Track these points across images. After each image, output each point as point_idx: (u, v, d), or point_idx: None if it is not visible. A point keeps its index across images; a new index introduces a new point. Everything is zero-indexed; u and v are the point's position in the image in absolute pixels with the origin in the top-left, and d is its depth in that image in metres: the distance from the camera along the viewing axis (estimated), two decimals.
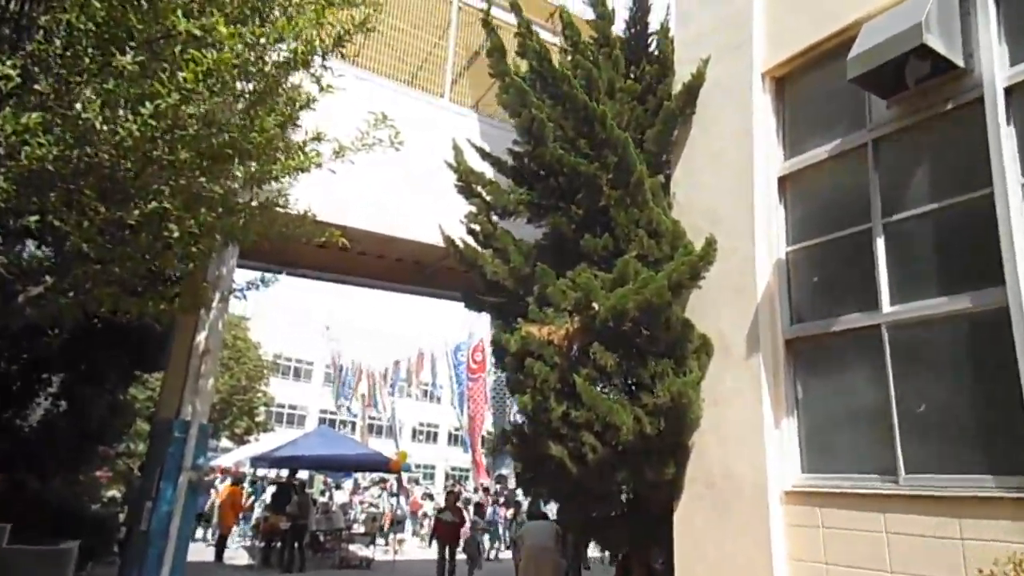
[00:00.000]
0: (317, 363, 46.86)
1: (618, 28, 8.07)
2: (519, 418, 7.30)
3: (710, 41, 6.72)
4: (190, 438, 7.43)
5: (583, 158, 6.50)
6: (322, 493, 22.13)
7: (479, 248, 7.15)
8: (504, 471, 17.68)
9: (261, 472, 23.39)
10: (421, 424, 52.07)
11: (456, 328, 22.99)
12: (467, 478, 46.66)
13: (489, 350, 19.45)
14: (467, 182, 7.28)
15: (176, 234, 5.16)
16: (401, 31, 10.45)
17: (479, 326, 20.63)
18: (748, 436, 5.57)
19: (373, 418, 42.13)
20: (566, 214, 6.55)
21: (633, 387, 6.13)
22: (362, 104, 9.48)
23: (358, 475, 22.28)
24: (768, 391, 5.54)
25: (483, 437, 18.80)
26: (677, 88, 6.85)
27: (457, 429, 52.82)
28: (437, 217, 9.76)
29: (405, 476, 16.86)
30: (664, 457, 5.85)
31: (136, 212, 5.11)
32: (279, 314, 46.77)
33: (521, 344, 6.18)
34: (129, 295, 5.96)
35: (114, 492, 16.23)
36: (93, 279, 5.48)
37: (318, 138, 6.21)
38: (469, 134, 10.34)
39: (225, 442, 31.68)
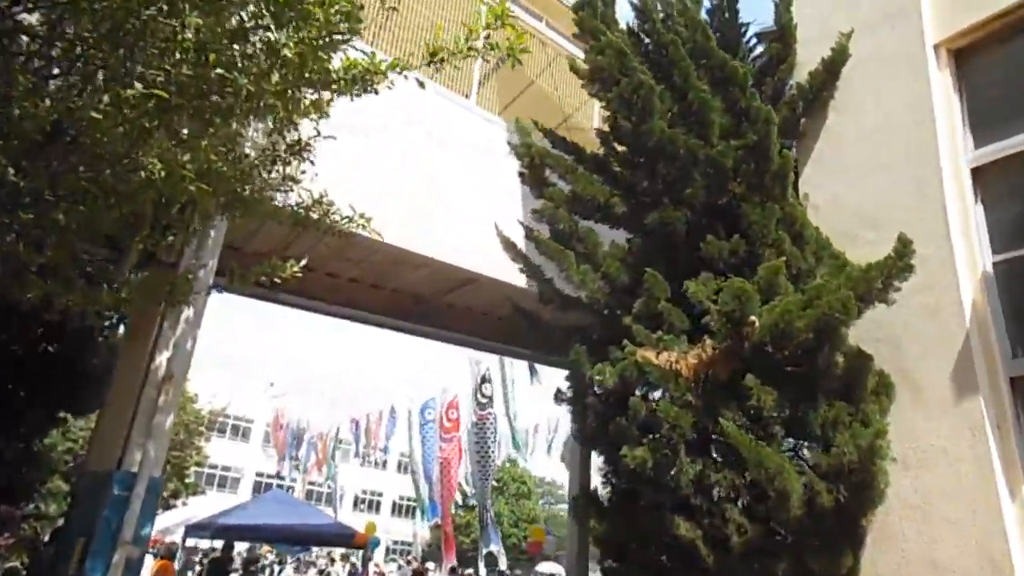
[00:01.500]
0: (258, 421, 43.34)
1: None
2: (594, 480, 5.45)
3: (852, 12, 5.37)
4: (135, 498, 5.27)
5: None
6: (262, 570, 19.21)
7: (548, 253, 5.41)
8: (493, 548, 15.41)
9: (189, 542, 20.41)
10: (364, 492, 48.52)
11: (423, 384, 20.89)
12: (409, 552, 43.30)
13: (469, 405, 17.44)
14: (538, 167, 5.60)
15: (161, 171, 3.29)
16: (425, 18, 8.97)
17: (455, 381, 18.65)
18: (968, 515, 3.89)
19: (312, 483, 38.83)
20: (678, 210, 4.91)
21: (788, 440, 4.40)
22: (388, 94, 7.89)
23: (316, 550, 19.47)
24: (996, 449, 3.91)
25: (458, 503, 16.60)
26: (804, 70, 5.45)
27: (406, 499, 49.49)
28: (460, 236, 8.08)
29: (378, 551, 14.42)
30: (838, 543, 4.10)
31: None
32: (219, 368, 43.53)
33: (630, 374, 4.42)
34: (72, 280, 4.02)
35: (14, 563, 13.26)
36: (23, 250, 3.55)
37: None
38: (496, 144, 8.79)
39: None
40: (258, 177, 4.40)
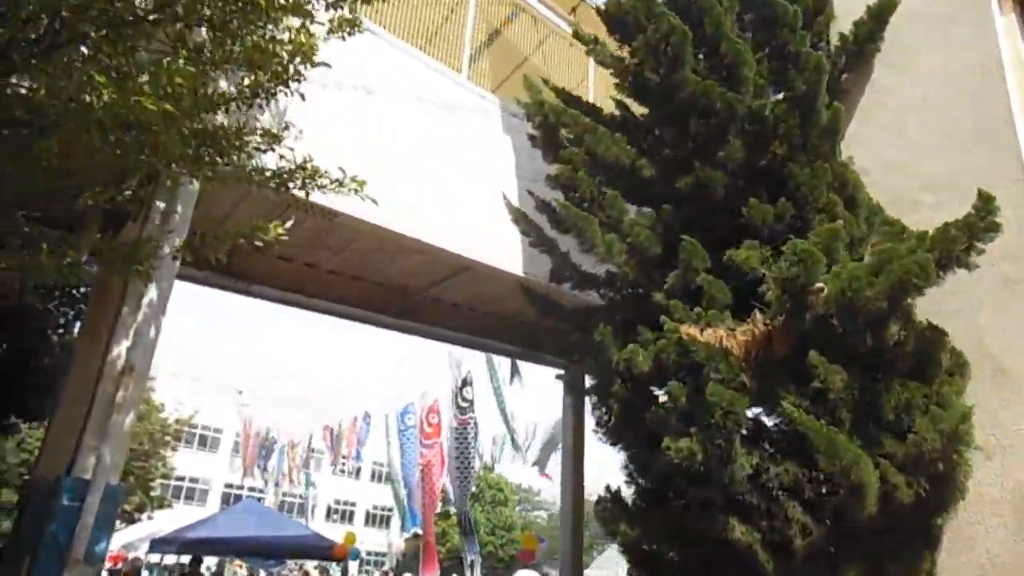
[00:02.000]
0: (227, 431, 41.98)
1: None
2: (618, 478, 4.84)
3: None
4: (88, 508, 4.52)
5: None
6: None
7: (566, 221, 4.77)
8: (472, 556, 14.68)
9: (154, 558, 19.40)
10: (337, 502, 47.32)
11: (400, 384, 20.11)
12: (383, 563, 42.30)
13: (450, 410, 16.74)
14: (551, 128, 4.99)
15: (111, 91, 2.60)
16: None
17: (435, 382, 17.95)
18: None
19: (286, 494, 37.63)
20: (716, 171, 4.33)
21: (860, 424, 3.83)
22: (368, 62, 7.23)
23: (291, 563, 18.53)
24: None
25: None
26: (844, 23, 4.94)
27: (380, 508, 48.35)
28: (455, 219, 7.40)
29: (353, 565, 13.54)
30: (914, 543, 3.55)
31: None
32: (179, 370, 42.12)
33: (667, 356, 3.83)
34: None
35: None
36: None
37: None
38: (491, 123, 8.18)
39: None
40: (233, 116, 3.72)
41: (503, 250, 7.75)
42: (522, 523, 46.92)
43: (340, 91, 6.72)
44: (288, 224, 4.14)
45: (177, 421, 24.77)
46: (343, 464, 37.45)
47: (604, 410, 4.58)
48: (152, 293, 4.97)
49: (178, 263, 5.31)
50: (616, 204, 4.37)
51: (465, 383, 16.47)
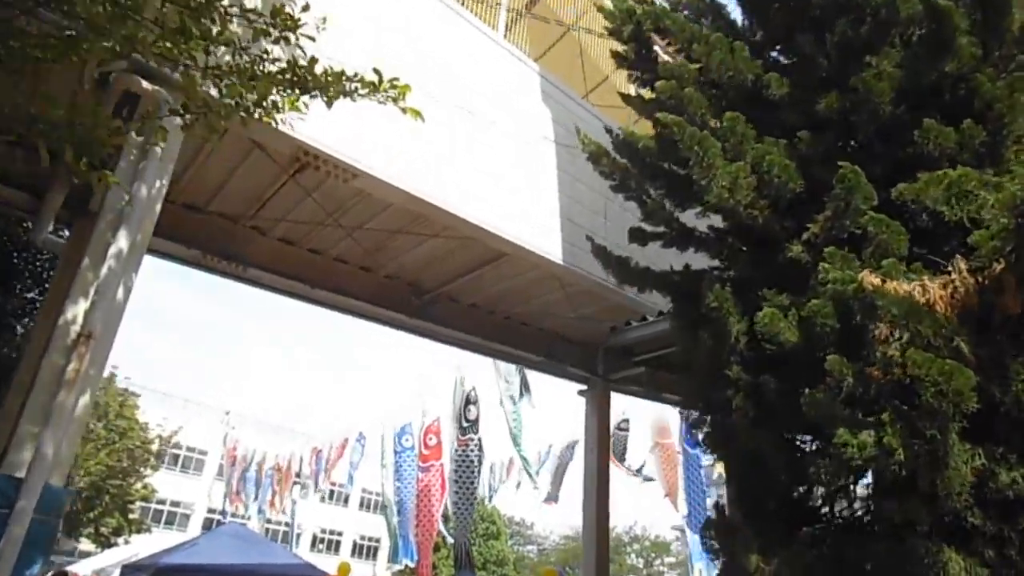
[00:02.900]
0: (212, 453, 40.23)
1: None
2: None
3: None
4: (16, 517, 3.31)
5: None
6: None
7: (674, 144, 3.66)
8: None
9: None
10: (323, 531, 45.38)
11: (396, 401, 18.78)
12: None
13: (451, 431, 15.46)
14: (644, 39, 3.93)
15: None
16: None
17: (436, 402, 16.71)
18: None
19: (270, 521, 35.86)
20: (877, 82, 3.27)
21: None
22: (385, 13, 6.16)
23: None
24: None
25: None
26: None
27: (368, 538, 46.39)
28: (494, 198, 6.27)
29: None
30: None
31: None
32: (178, 397, 40.63)
33: (820, 324, 2.74)
34: None
35: None
36: None
37: None
38: (529, 91, 7.15)
39: (85, 544, 24.99)
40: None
41: (543, 236, 6.68)
42: (514, 557, 45.13)
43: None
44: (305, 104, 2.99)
45: (159, 438, 23.26)
46: (331, 488, 35.83)
47: (708, 408, 3.45)
48: (121, 242, 3.83)
49: (158, 207, 4.19)
50: (736, 127, 3.29)
51: (469, 401, 15.25)
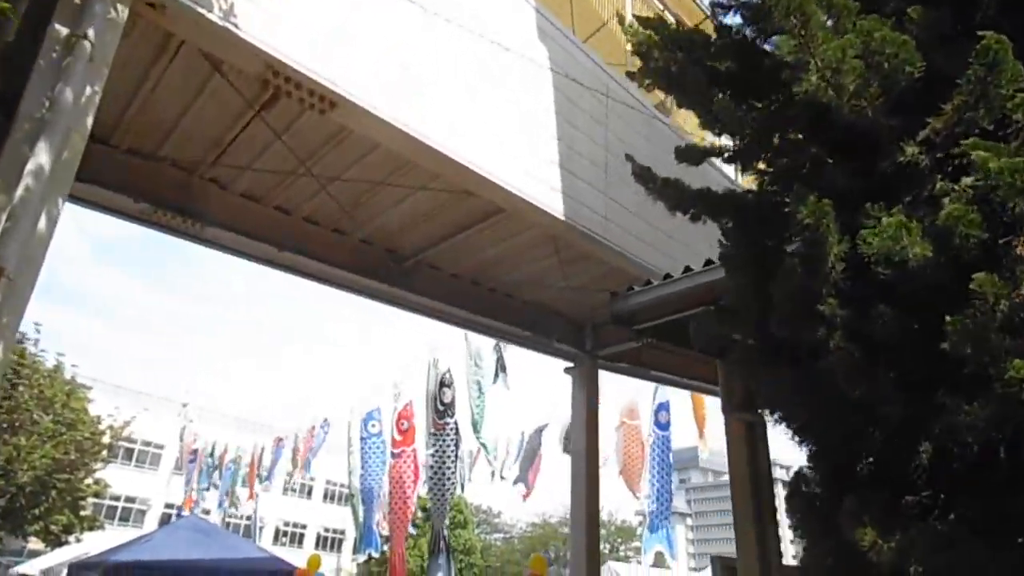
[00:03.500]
0: (168, 447, 38.65)
1: None
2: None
3: None
4: None
5: None
6: None
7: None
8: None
9: None
10: (286, 523, 44.14)
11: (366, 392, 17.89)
12: None
13: (424, 416, 14.70)
14: None
15: None
16: None
17: (407, 385, 15.86)
18: None
19: (230, 515, 34.56)
20: None
21: None
22: None
23: None
24: None
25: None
26: None
27: (332, 531, 45.27)
28: (495, 145, 5.45)
29: None
30: None
31: None
32: (127, 390, 38.89)
33: (961, 232, 2.09)
34: None
35: None
36: None
37: None
38: (525, 28, 6.38)
39: (35, 543, 23.49)
40: None
41: (543, 188, 5.95)
42: (481, 546, 44.60)
43: None
44: None
45: (110, 429, 21.90)
46: (295, 480, 34.65)
47: (772, 358, 2.79)
48: (42, 157, 2.99)
49: (89, 120, 3.33)
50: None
51: (443, 384, 14.49)
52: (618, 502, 49.65)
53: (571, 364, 9.42)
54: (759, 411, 4.67)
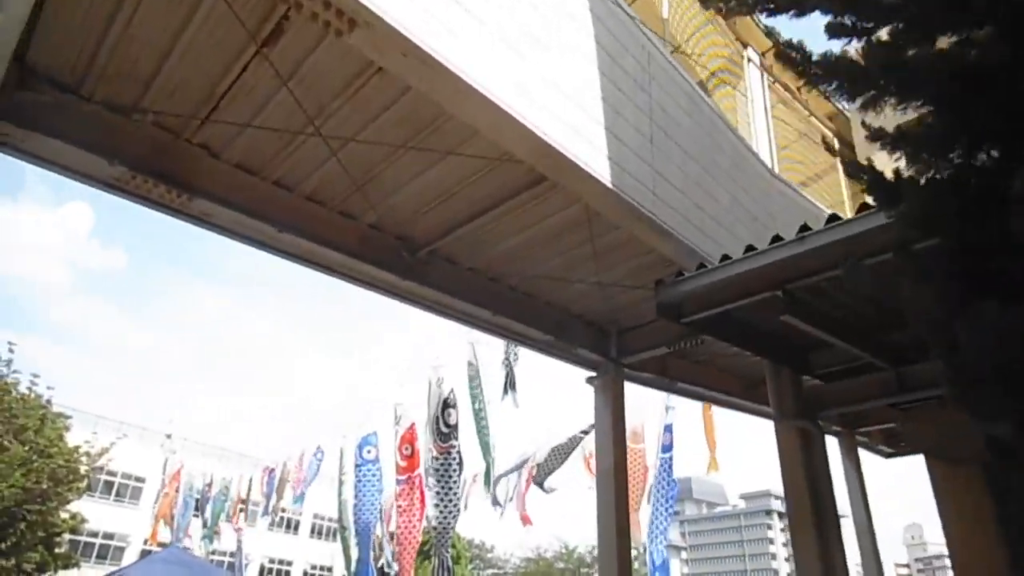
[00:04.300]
0: (150, 480, 36.98)
1: None
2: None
3: None
4: None
5: None
6: None
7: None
8: None
9: None
10: (271, 560, 42.28)
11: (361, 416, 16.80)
12: None
13: (425, 439, 13.64)
14: None
15: None
16: None
17: (410, 408, 14.77)
18: None
19: (214, 552, 32.87)
20: None
21: None
22: None
23: None
24: None
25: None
26: None
27: (319, 568, 43.36)
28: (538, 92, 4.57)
29: None
30: None
31: None
32: (108, 420, 37.25)
33: None
34: None
35: None
36: None
37: None
38: None
39: None
40: None
41: (591, 152, 5.10)
42: None
43: None
44: None
45: (87, 456, 20.49)
46: (281, 512, 33.06)
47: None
48: None
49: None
50: None
51: (447, 405, 13.47)
52: None
53: (593, 374, 8.52)
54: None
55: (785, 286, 4.99)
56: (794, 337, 6.00)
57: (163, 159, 5.03)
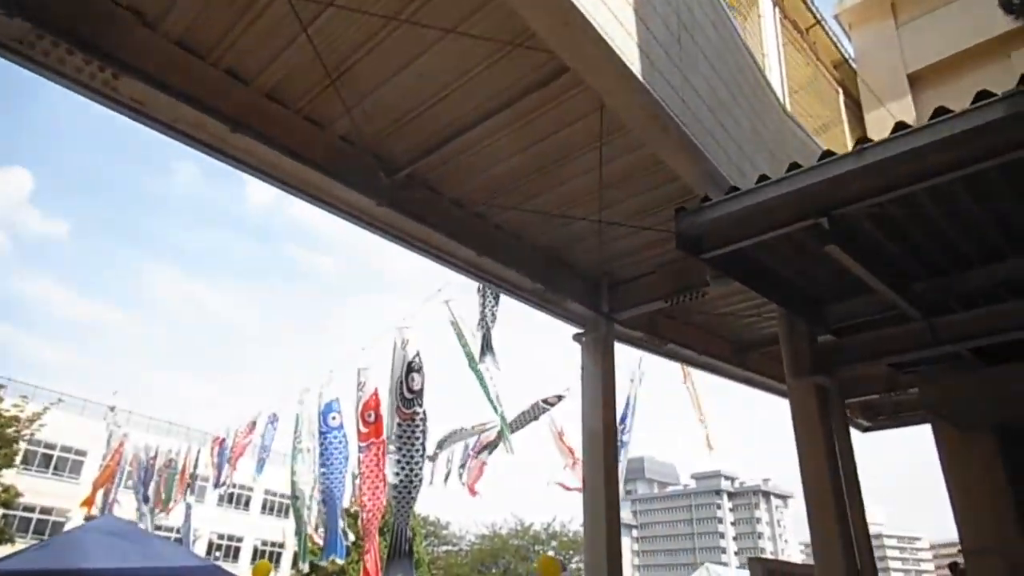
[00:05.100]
0: (92, 454, 35.02)
1: None
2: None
3: None
4: None
5: None
6: None
7: None
8: None
9: None
10: (220, 536, 40.77)
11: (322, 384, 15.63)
12: None
13: (388, 403, 12.67)
14: None
15: None
16: None
17: (375, 372, 13.75)
18: None
19: (159, 527, 31.32)
20: None
21: None
22: None
23: None
24: None
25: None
26: None
27: (271, 544, 42.03)
28: None
29: None
30: None
31: None
32: (46, 391, 35.10)
33: None
34: None
35: None
36: None
37: None
38: None
39: None
40: None
41: (623, 38, 4.17)
42: (428, 559, 42.21)
43: None
44: None
45: (15, 421, 18.90)
46: (233, 489, 31.76)
47: None
48: None
49: None
50: None
51: (412, 369, 12.48)
52: (573, 513, 47.93)
53: (580, 330, 7.71)
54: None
55: (831, 212, 4.16)
56: (809, 288, 5.34)
57: (81, 21, 3.94)
